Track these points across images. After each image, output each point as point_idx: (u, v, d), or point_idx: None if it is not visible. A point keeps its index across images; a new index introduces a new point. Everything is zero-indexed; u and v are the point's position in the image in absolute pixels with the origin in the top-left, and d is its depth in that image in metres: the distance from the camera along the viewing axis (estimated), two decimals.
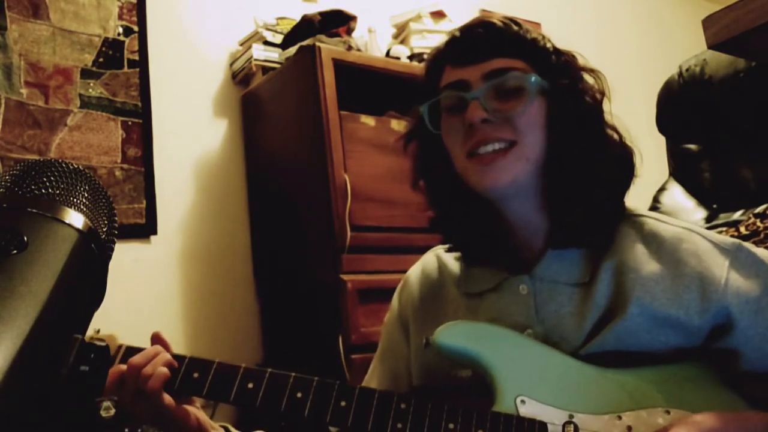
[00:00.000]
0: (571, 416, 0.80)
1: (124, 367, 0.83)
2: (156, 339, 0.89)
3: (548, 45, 0.92)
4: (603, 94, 0.93)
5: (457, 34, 0.94)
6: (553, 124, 0.89)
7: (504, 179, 0.87)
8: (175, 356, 0.85)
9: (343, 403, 0.80)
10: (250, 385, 0.81)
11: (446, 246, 1.05)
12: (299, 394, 0.81)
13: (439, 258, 1.05)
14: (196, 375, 0.83)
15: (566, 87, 0.90)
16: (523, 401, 0.81)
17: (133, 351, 0.85)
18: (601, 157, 0.89)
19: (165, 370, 0.82)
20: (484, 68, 0.89)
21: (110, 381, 0.82)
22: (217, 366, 0.83)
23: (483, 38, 0.90)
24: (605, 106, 0.93)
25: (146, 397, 0.82)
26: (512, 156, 0.87)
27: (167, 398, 0.83)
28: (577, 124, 0.89)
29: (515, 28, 0.91)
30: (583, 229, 0.90)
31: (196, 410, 0.89)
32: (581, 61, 0.94)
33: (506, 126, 0.87)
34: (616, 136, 0.92)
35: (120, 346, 0.86)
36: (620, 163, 0.91)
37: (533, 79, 0.88)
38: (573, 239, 0.90)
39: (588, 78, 0.93)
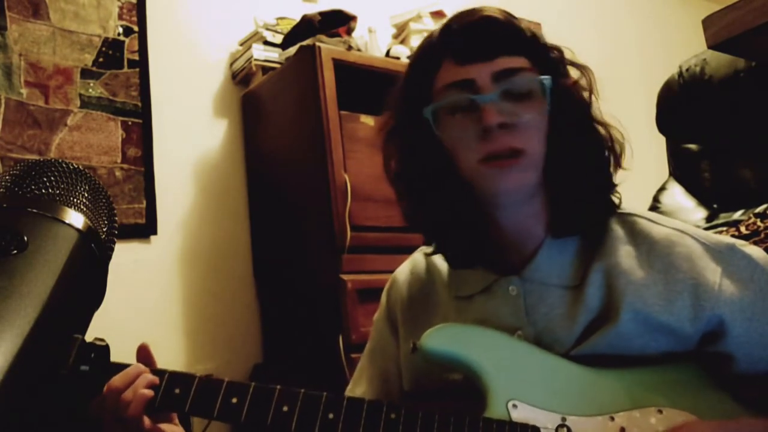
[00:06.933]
0: (563, 419, 0.79)
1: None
2: (141, 352, 0.85)
3: (544, 41, 0.91)
4: (591, 89, 0.92)
5: (456, 26, 0.89)
6: (553, 125, 0.88)
7: (518, 184, 0.85)
8: (156, 371, 0.81)
9: (331, 416, 0.78)
10: (234, 400, 0.78)
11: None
12: (285, 408, 0.78)
13: (427, 258, 1.03)
14: (177, 391, 0.80)
15: (565, 86, 0.89)
16: (515, 405, 0.79)
17: (115, 367, 0.80)
18: (595, 154, 0.89)
19: (146, 393, 0.78)
20: (492, 67, 0.85)
21: (92, 402, 0.79)
22: (198, 381, 0.80)
23: (487, 34, 0.86)
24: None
25: (125, 422, 0.78)
26: (524, 163, 0.85)
27: (147, 422, 0.80)
28: (573, 123, 0.89)
29: (516, 23, 0.89)
30: (579, 218, 0.90)
31: (175, 427, 0.86)
32: (570, 56, 0.93)
33: (520, 132, 0.85)
34: (603, 131, 0.91)
35: None
36: (610, 155, 0.91)
37: (545, 81, 0.86)
38: (570, 227, 0.90)
39: (577, 74, 0.92)
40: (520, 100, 0.85)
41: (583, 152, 0.89)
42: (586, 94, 0.91)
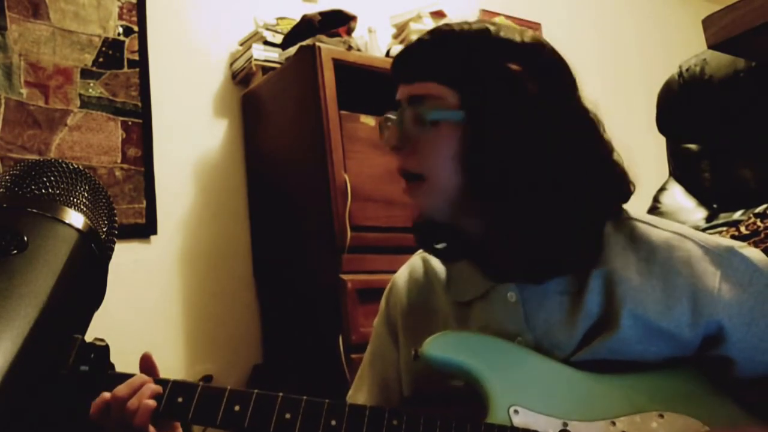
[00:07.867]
0: (565, 424, 0.79)
1: (108, 395, 0.80)
2: (145, 361, 0.86)
3: (483, 59, 0.85)
4: (561, 103, 0.85)
5: (402, 48, 0.94)
6: (468, 156, 0.84)
7: (420, 212, 0.90)
8: (159, 381, 0.82)
9: (333, 422, 0.77)
10: (237, 408, 0.79)
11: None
12: (288, 415, 0.78)
13: (425, 262, 1.03)
14: (180, 399, 0.80)
15: (489, 115, 0.83)
16: (516, 411, 0.79)
17: (117, 378, 0.81)
18: (537, 189, 0.82)
19: (151, 403, 0.79)
20: (409, 90, 0.89)
21: (95, 410, 0.79)
22: (201, 389, 0.80)
23: (411, 57, 0.90)
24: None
25: (131, 430, 0.79)
26: (421, 190, 0.88)
27: (152, 430, 0.80)
28: (502, 152, 0.83)
29: (447, 46, 0.87)
30: (550, 266, 0.86)
31: None
32: (526, 69, 0.84)
33: (413, 157, 0.88)
34: (587, 155, 0.85)
35: None
36: (583, 188, 0.85)
37: (433, 114, 0.85)
38: (546, 275, 0.86)
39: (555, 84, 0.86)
40: (422, 126, 0.86)
41: (514, 192, 0.83)
42: (545, 114, 0.84)
